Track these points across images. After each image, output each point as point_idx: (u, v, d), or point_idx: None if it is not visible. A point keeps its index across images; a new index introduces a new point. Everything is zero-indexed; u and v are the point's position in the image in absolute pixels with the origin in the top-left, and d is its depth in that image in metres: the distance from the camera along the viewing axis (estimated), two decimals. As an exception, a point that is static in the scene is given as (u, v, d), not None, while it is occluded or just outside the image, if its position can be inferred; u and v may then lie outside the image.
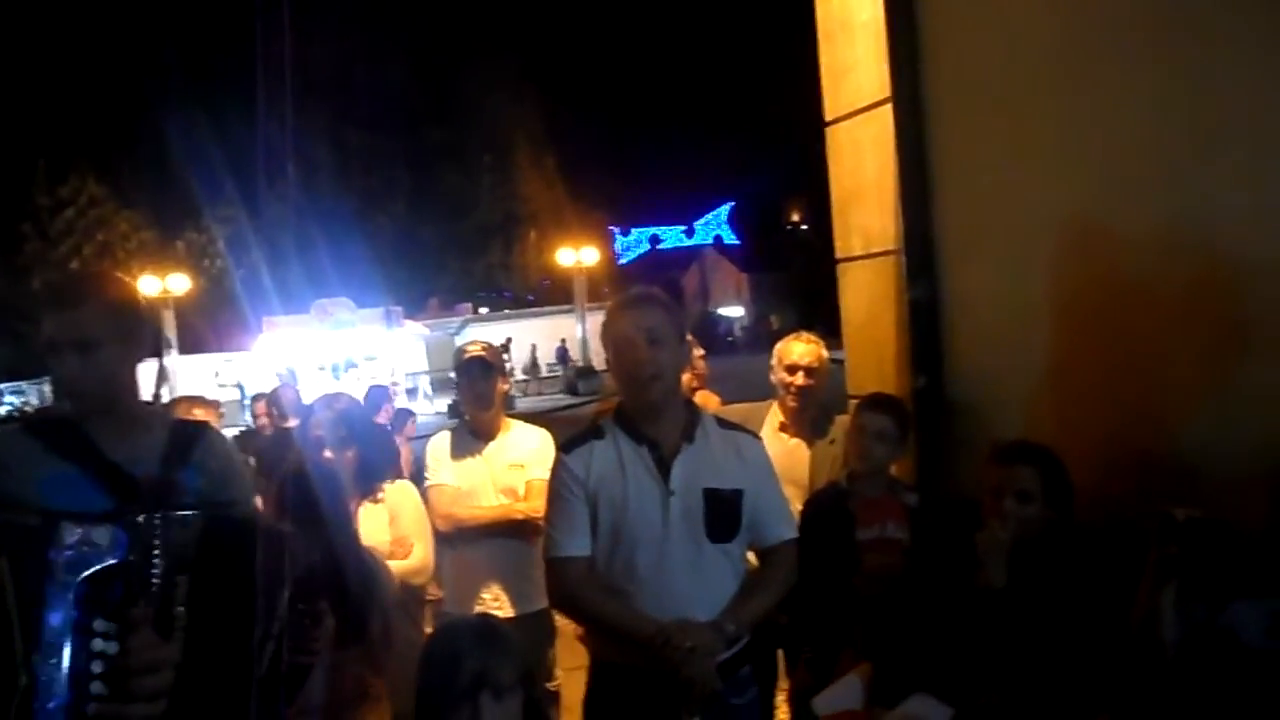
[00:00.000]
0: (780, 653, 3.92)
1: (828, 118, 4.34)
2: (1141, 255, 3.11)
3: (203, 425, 2.64)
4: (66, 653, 1.48)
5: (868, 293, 4.16)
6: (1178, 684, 2.45)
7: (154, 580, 1.61)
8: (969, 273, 3.76)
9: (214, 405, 5.80)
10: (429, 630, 3.75)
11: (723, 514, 2.79)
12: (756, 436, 3.10)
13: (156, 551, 1.64)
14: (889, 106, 3.93)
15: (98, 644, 1.50)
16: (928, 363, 3.83)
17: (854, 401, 4.00)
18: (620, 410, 2.92)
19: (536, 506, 3.96)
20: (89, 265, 32.83)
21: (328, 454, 3.51)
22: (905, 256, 3.88)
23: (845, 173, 4.29)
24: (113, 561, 1.52)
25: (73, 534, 1.52)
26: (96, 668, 1.49)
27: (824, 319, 4.50)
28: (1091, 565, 2.83)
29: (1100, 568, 2.81)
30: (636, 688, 2.66)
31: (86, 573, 1.50)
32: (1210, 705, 2.35)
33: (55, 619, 1.48)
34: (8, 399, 32.06)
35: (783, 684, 4.02)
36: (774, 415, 4.15)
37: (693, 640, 2.58)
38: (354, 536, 3.02)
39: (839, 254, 4.33)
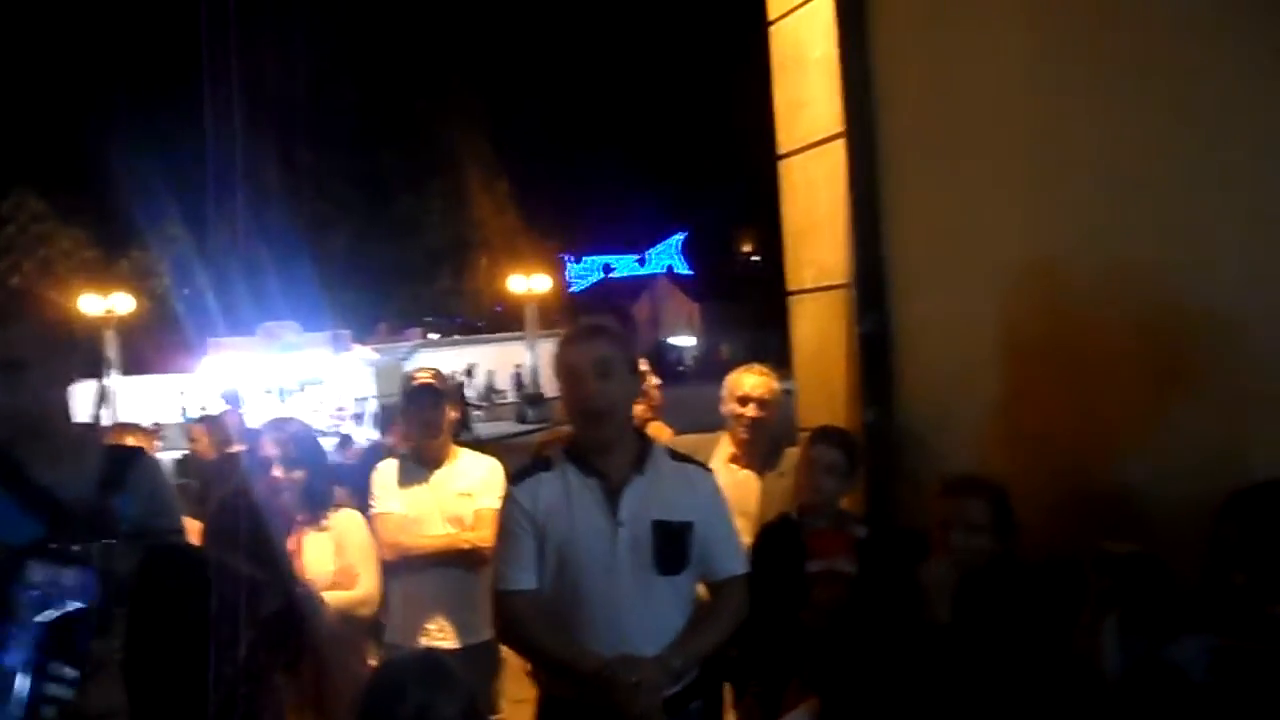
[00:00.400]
0: (727, 686, 3.90)
1: (781, 151, 4.37)
2: (1087, 296, 3.16)
3: (137, 450, 2.57)
4: (21, 694, 1.43)
5: (819, 325, 4.18)
6: (1120, 716, 2.47)
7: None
8: (919, 307, 3.80)
9: (151, 433, 5.68)
10: (373, 663, 3.69)
11: (671, 547, 2.77)
12: (708, 469, 3.09)
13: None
14: (842, 141, 3.97)
15: (51, 688, 1.44)
16: (878, 395, 3.86)
17: (804, 434, 4.01)
18: (571, 442, 2.90)
19: (484, 535, 3.92)
20: (30, 282, 32.20)
21: (277, 472, 3.45)
22: (856, 290, 3.91)
23: (798, 206, 4.32)
24: (79, 605, 1.48)
25: (40, 573, 1.47)
26: (49, 712, 1.44)
27: (775, 350, 4.50)
28: (1034, 599, 2.86)
29: (1043, 602, 2.84)
30: None
31: (49, 616, 1.45)
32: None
33: (12, 659, 1.43)
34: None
35: (729, 718, 3.99)
36: (724, 446, 4.14)
37: (638, 675, 2.55)
38: (290, 564, 2.97)
39: (790, 286, 4.35)
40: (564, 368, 2.81)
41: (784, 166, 4.38)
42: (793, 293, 4.35)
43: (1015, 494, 3.01)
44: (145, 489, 2.39)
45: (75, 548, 1.51)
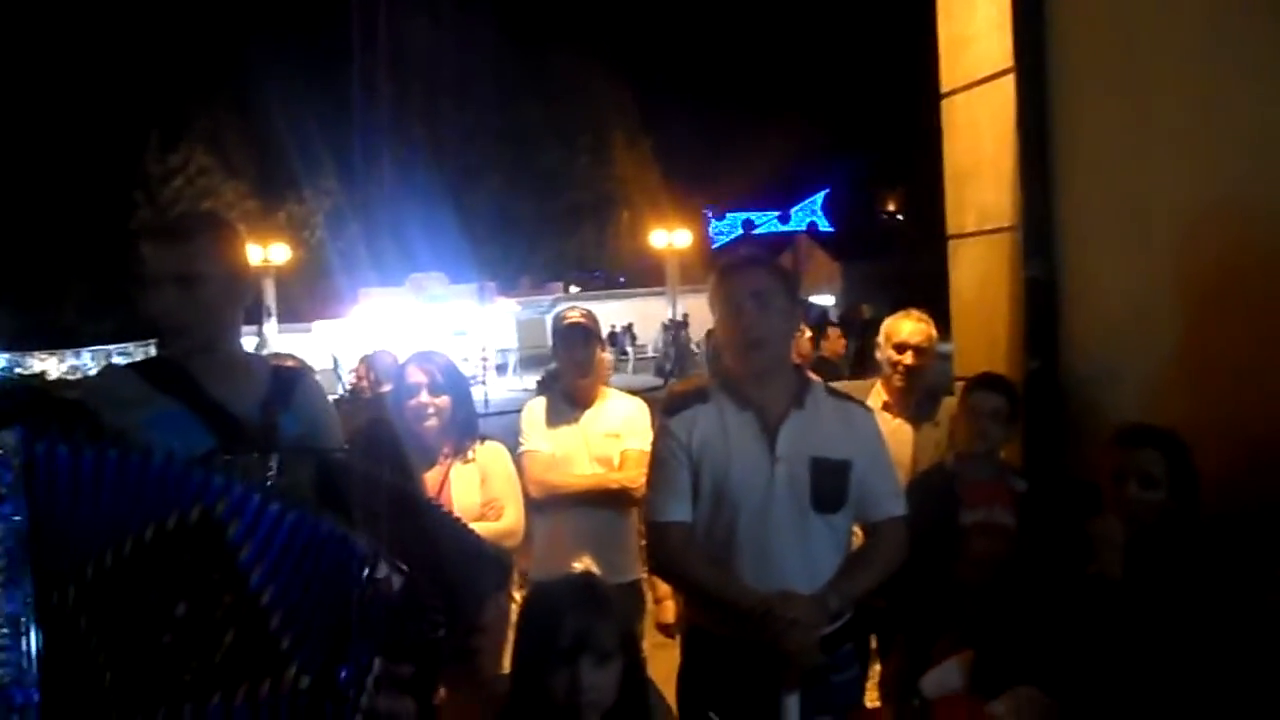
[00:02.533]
0: (873, 637, 3.82)
1: (944, 89, 4.20)
2: (1271, 238, 2.95)
3: (301, 371, 2.61)
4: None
5: (980, 271, 4.02)
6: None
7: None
8: (1090, 251, 3.61)
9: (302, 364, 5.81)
10: (517, 596, 3.72)
11: (829, 484, 2.70)
12: (869, 408, 3.00)
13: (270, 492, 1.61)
14: (1010, 77, 3.79)
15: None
16: (1042, 344, 3.70)
17: (960, 383, 3.88)
18: (726, 375, 2.84)
19: (632, 477, 3.92)
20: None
21: (424, 398, 3.49)
22: (1022, 233, 3.74)
23: (960, 146, 4.15)
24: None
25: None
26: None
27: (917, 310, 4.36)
28: (1218, 558, 2.69)
29: (1227, 561, 2.67)
30: (734, 659, 2.60)
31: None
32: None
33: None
34: (116, 360, 33.18)
35: (874, 667, 3.92)
36: (877, 394, 4.04)
37: (795, 613, 2.50)
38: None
39: (951, 230, 4.19)
40: (722, 297, 2.75)
41: (946, 105, 4.21)
42: (953, 237, 4.19)
43: (1194, 444, 2.84)
44: (308, 409, 2.45)
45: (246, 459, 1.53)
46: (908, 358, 3.96)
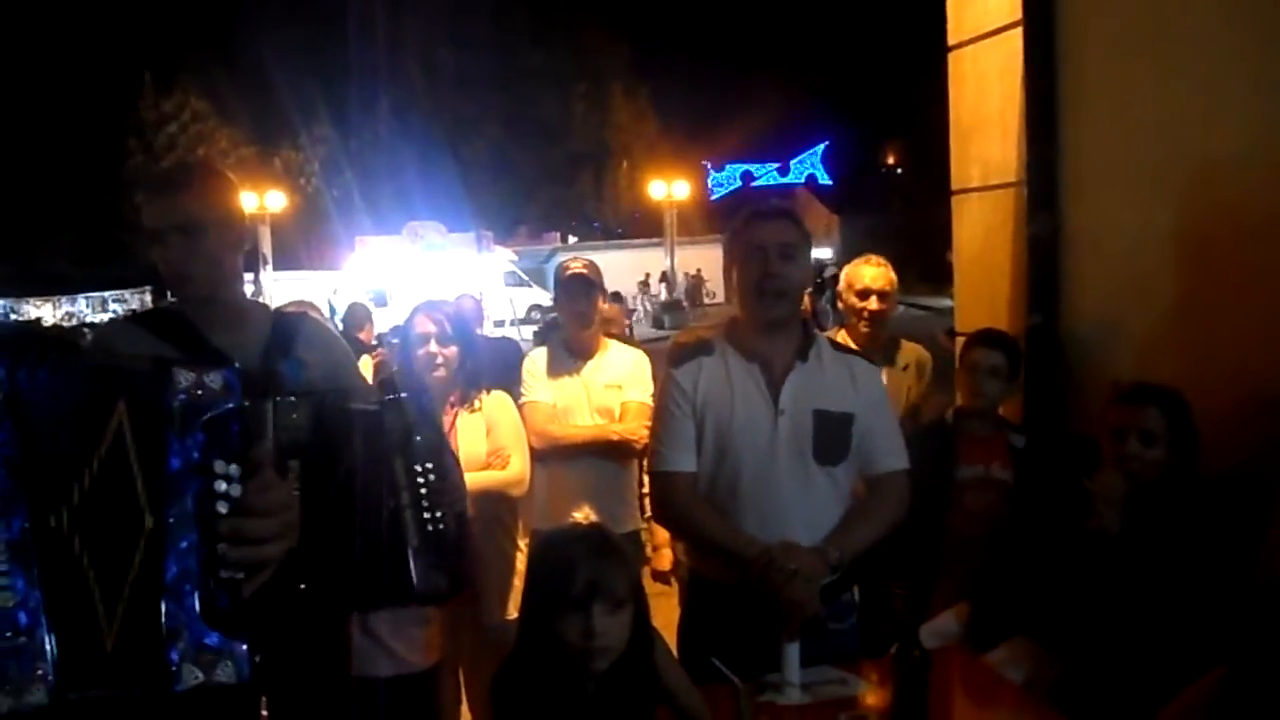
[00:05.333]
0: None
1: (951, 42, 4.18)
2: (1273, 197, 2.95)
3: (302, 316, 2.61)
4: (190, 495, 1.49)
5: (984, 225, 4.02)
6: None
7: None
8: (1094, 207, 3.61)
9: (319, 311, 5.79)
10: (522, 545, 3.75)
11: (831, 436, 2.71)
12: (871, 362, 3.01)
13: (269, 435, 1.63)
14: (1018, 30, 3.76)
15: (220, 485, 1.50)
16: (1044, 300, 3.71)
17: (961, 338, 3.89)
18: (733, 326, 2.85)
19: (633, 428, 3.94)
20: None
21: (433, 348, 3.49)
22: (1027, 188, 3.74)
23: (966, 100, 4.13)
24: (230, 406, 1.52)
25: (186, 378, 1.52)
26: (221, 508, 1.50)
27: (916, 264, 4.34)
28: (1215, 514, 2.72)
29: (1225, 517, 2.70)
30: (736, 608, 2.63)
31: (204, 417, 1.50)
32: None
33: (176, 463, 1.49)
34: (112, 307, 33.14)
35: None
36: (842, 341, 4.02)
37: (797, 563, 2.53)
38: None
39: (955, 185, 4.18)
40: (747, 246, 2.74)
41: (953, 58, 4.18)
42: (957, 192, 4.18)
43: (1195, 402, 2.85)
44: (313, 355, 2.45)
45: (245, 403, 1.54)
46: (871, 303, 3.94)
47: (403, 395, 1.95)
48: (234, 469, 1.51)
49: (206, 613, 1.48)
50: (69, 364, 1.63)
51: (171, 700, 1.47)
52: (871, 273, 3.99)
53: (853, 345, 3.94)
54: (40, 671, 1.40)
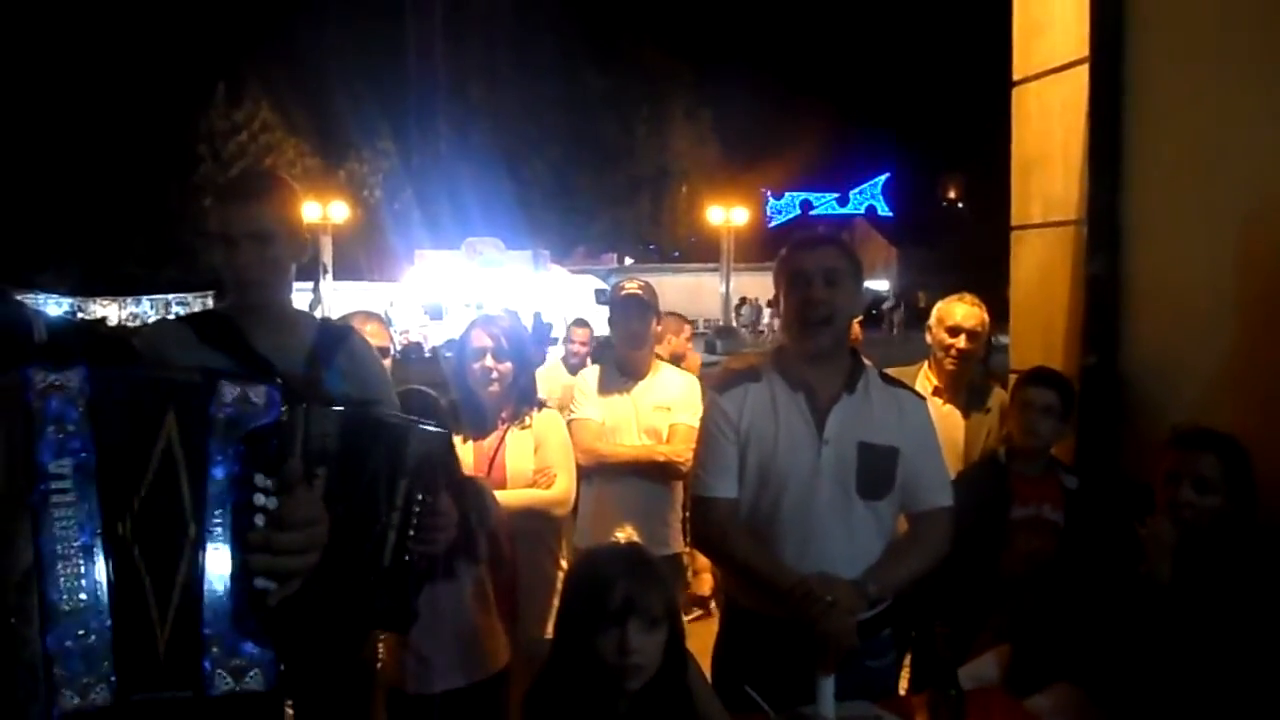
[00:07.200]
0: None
1: (1016, 77, 4.14)
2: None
3: (347, 328, 2.67)
4: (228, 506, 1.52)
5: (1042, 263, 3.97)
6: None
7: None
8: (1156, 246, 3.55)
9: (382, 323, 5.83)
10: (564, 563, 3.75)
11: (876, 470, 2.68)
12: (921, 396, 2.98)
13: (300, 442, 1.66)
14: (1084, 67, 3.72)
15: (259, 499, 1.53)
16: (1101, 340, 3.64)
17: (1014, 375, 3.84)
18: (780, 354, 2.83)
19: (679, 451, 3.94)
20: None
21: (489, 363, 3.50)
22: (1087, 226, 3.68)
23: (1030, 136, 4.09)
24: (269, 421, 1.55)
25: (231, 392, 1.55)
26: (257, 520, 1.52)
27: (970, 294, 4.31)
28: (1270, 566, 2.65)
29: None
30: (772, 638, 2.60)
31: (246, 430, 1.53)
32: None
33: (219, 473, 1.52)
34: (175, 309, 33.77)
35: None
36: (924, 378, 3.98)
37: (834, 595, 2.50)
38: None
39: (1015, 221, 4.13)
40: (792, 273, 2.72)
41: (1018, 94, 4.15)
42: (1016, 227, 4.13)
43: (1252, 452, 2.79)
44: (353, 368, 2.49)
45: (282, 409, 1.57)
46: (960, 341, 3.90)
47: (436, 427, 1.97)
48: (271, 482, 1.54)
49: (238, 621, 1.51)
50: (130, 372, 1.69)
51: (206, 705, 1.50)
52: (964, 310, 3.96)
53: (935, 381, 3.95)
54: (104, 672, 1.43)
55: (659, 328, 4.29)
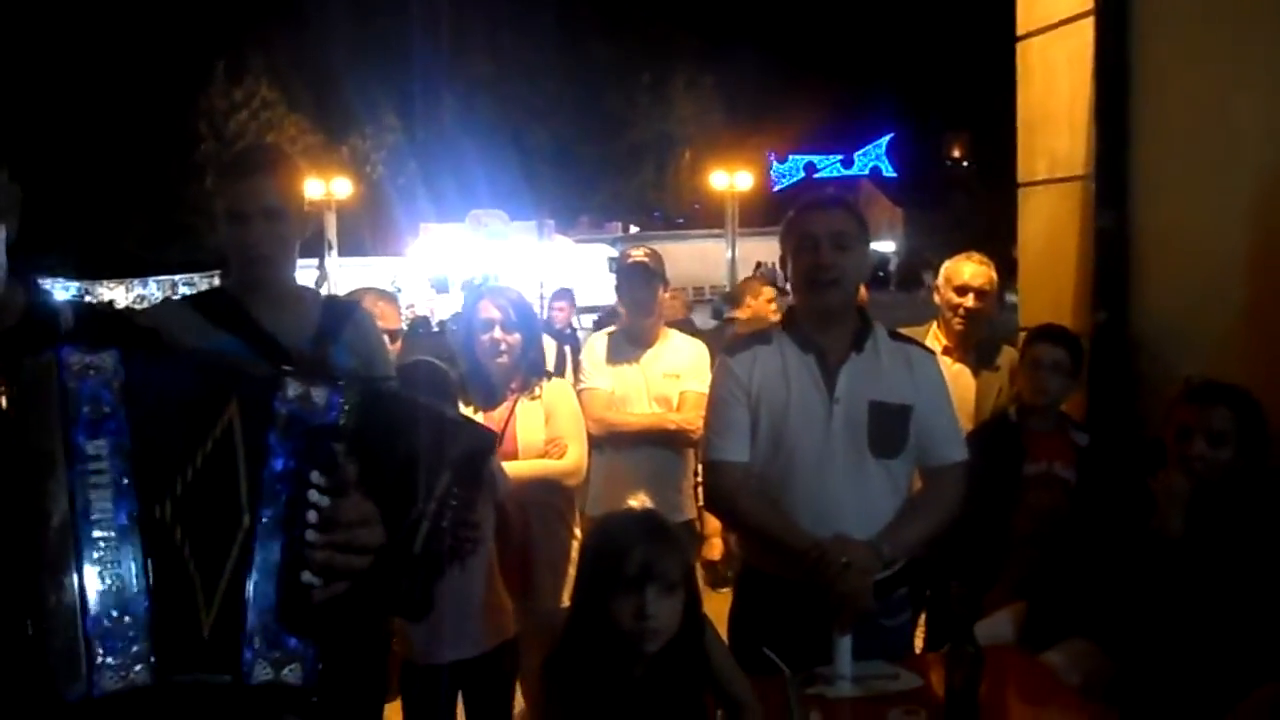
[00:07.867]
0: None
1: (1020, 31, 4.10)
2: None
3: (353, 305, 2.68)
4: (284, 501, 1.53)
5: (1049, 219, 3.95)
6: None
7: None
8: (1164, 202, 3.53)
9: (394, 303, 5.81)
10: (578, 532, 3.76)
11: (888, 428, 2.68)
12: (930, 351, 2.97)
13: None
14: (1089, 20, 3.69)
15: (312, 495, 1.54)
16: (1110, 296, 3.63)
17: (1024, 333, 3.83)
18: (790, 316, 2.83)
19: (690, 418, 3.94)
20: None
21: (497, 334, 3.50)
22: (1095, 182, 3.66)
23: (1035, 92, 4.06)
24: (328, 420, 1.56)
25: (295, 389, 1.55)
26: (310, 517, 1.53)
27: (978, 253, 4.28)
28: (1283, 517, 2.65)
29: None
30: (788, 600, 2.60)
31: (306, 427, 1.54)
32: None
33: (277, 465, 1.53)
34: (181, 290, 33.79)
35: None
36: (935, 338, 3.95)
37: (849, 557, 2.51)
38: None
39: (1021, 178, 4.11)
40: (800, 235, 2.71)
41: (1022, 49, 4.11)
42: (1023, 184, 4.11)
43: (1266, 404, 2.78)
44: (359, 343, 2.50)
45: (344, 408, 1.58)
46: (969, 300, 3.87)
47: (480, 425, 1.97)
48: (326, 481, 1.54)
49: (284, 615, 1.51)
50: (180, 358, 1.70)
51: (240, 694, 1.51)
52: (971, 269, 3.93)
53: (945, 341, 3.93)
54: (143, 652, 1.44)
55: (666, 295, 4.27)
